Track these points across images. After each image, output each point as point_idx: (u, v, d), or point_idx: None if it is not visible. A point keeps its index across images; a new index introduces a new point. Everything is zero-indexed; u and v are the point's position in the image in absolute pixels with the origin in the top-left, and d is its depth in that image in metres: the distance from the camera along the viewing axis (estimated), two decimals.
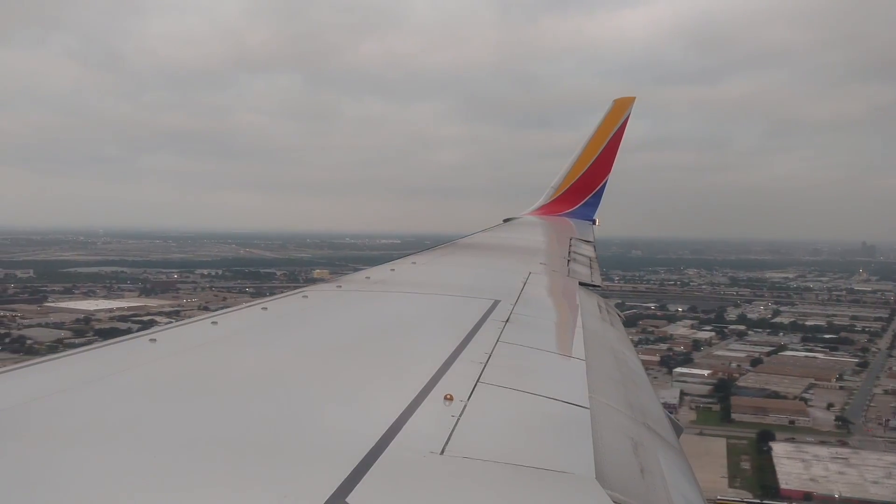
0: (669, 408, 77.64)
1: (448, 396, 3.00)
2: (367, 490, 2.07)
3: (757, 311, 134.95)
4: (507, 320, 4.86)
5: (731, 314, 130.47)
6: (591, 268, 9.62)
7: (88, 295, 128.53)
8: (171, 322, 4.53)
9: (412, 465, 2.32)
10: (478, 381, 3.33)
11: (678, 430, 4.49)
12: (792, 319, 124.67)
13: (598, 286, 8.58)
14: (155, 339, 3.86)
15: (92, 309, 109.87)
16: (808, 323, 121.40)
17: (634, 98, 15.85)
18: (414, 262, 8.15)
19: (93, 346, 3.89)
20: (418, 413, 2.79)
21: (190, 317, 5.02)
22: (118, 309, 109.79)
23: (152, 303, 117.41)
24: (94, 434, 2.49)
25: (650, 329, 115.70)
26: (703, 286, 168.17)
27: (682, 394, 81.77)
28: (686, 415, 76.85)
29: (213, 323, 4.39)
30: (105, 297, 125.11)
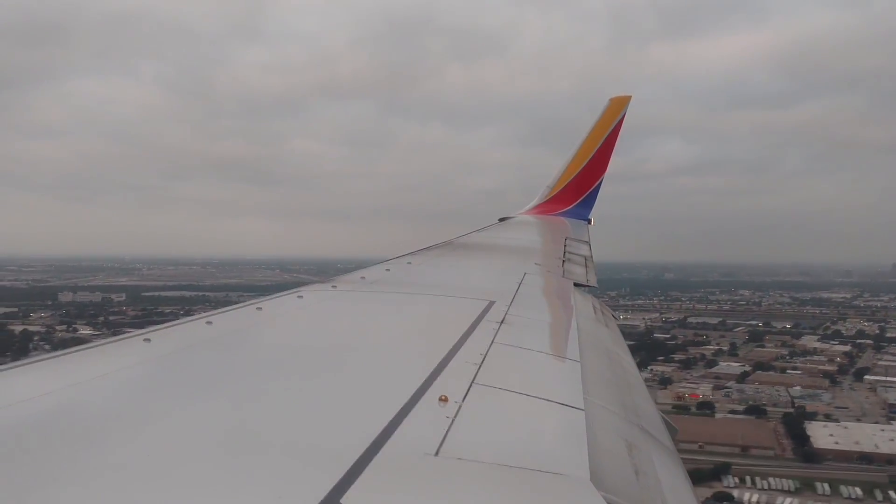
0: None
1: (443, 398, 2.98)
2: (362, 491, 2.07)
3: (861, 326, 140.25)
4: (503, 321, 4.85)
5: (842, 329, 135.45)
6: (586, 268, 9.64)
7: None
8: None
9: (407, 467, 2.32)
10: (473, 382, 3.33)
11: (672, 431, 4.49)
12: None
13: (594, 286, 8.62)
14: (149, 339, 3.83)
15: None
16: None
17: (630, 97, 15.85)
18: (409, 262, 8.13)
19: (86, 345, 3.84)
20: (413, 414, 2.78)
21: None
22: None
23: None
24: (88, 434, 2.48)
25: (789, 344, 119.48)
26: (777, 305, 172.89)
27: None
28: None
29: (207, 323, 4.34)
30: None
